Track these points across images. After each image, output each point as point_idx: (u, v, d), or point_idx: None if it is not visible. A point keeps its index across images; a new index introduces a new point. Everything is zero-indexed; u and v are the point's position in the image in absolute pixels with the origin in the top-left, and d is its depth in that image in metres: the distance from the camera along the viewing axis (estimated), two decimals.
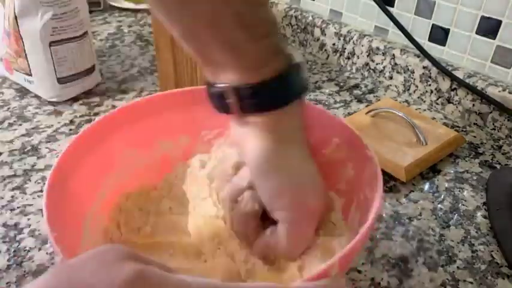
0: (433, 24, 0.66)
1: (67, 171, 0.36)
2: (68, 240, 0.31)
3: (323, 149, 0.42)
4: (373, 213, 0.32)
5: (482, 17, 0.61)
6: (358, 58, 0.74)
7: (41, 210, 0.47)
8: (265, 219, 0.38)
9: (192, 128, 0.46)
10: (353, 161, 0.40)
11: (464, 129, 0.63)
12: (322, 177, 0.39)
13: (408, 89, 0.70)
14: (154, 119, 0.44)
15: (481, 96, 0.61)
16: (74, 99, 0.65)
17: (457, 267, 0.43)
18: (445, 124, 0.63)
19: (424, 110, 0.67)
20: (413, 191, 0.52)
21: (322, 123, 0.42)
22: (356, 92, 0.70)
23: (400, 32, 0.68)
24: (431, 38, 0.67)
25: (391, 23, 0.69)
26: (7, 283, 0.40)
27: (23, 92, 0.66)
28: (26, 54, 0.61)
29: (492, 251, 0.45)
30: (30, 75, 0.63)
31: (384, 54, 0.70)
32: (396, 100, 0.67)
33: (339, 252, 0.29)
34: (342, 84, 0.72)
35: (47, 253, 0.43)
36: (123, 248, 0.23)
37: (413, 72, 0.68)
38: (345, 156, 0.41)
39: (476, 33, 0.62)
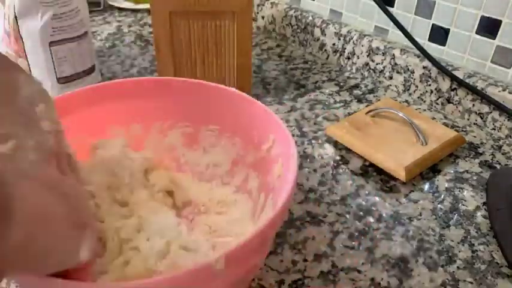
0: (433, 24, 0.66)
1: None
2: None
3: (262, 144, 0.44)
4: (283, 208, 0.32)
5: (482, 17, 0.61)
6: (358, 58, 0.74)
7: None
8: None
9: (144, 118, 0.47)
10: (283, 157, 0.41)
11: (464, 129, 0.63)
12: (261, 172, 0.42)
13: (408, 89, 0.70)
14: (108, 105, 0.45)
15: (481, 96, 0.61)
16: None
17: (457, 267, 0.43)
18: (445, 124, 0.63)
19: (424, 110, 0.67)
20: (413, 191, 0.52)
21: (261, 119, 0.43)
22: (356, 92, 0.70)
23: (400, 32, 0.68)
24: (431, 38, 0.67)
25: (391, 23, 0.69)
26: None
27: None
28: (26, 54, 0.61)
29: (492, 251, 0.45)
30: None
31: (383, 54, 0.70)
32: (396, 100, 0.67)
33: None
34: (342, 84, 0.73)
35: None
36: None
37: (413, 72, 0.68)
38: (279, 152, 0.41)
39: (476, 33, 0.62)
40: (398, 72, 0.70)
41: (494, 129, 0.62)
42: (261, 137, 0.44)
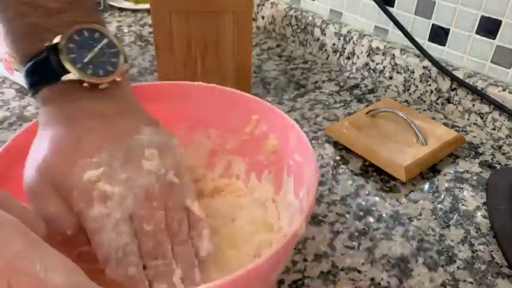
0: (433, 24, 0.66)
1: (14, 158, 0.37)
2: None
3: (243, 128, 0.45)
4: (313, 169, 0.34)
5: (482, 17, 0.61)
6: (358, 58, 0.74)
7: None
8: None
9: None
10: (275, 132, 0.43)
11: (464, 129, 0.63)
12: (247, 154, 0.45)
13: (408, 89, 0.70)
14: None
15: (481, 96, 0.61)
16: None
17: (457, 267, 0.43)
18: (445, 124, 0.63)
19: (424, 110, 0.67)
20: (413, 191, 0.52)
21: (239, 104, 0.44)
22: (356, 92, 0.70)
23: (400, 32, 0.68)
24: (431, 38, 0.67)
25: (391, 23, 0.69)
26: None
27: (23, 92, 0.66)
28: None
29: (492, 251, 0.45)
30: None
31: (384, 54, 0.70)
32: (396, 100, 0.67)
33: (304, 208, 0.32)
34: (342, 84, 0.72)
35: None
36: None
37: (413, 72, 0.68)
38: (267, 129, 0.43)
39: (476, 33, 0.62)
40: (398, 72, 0.70)
41: (494, 129, 0.62)
42: (240, 121, 0.45)
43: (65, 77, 0.33)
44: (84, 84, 0.33)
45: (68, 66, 0.32)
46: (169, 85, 0.46)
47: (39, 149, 0.32)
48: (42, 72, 0.33)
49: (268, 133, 0.43)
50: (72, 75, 0.32)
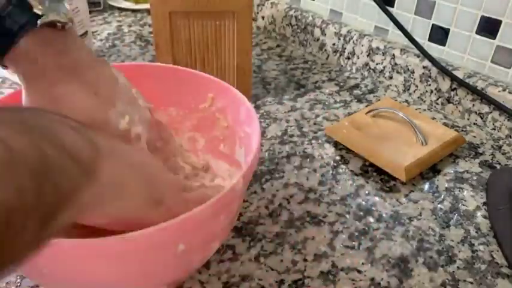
0: (433, 24, 0.66)
1: None
2: None
3: (200, 104, 0.48)
4: (258, 137, 0.38)
5: (482, 17, 0.61)
6: (358, 58, 0.74)
7: None
8: None
9: None
10: (229, 107, 0.46)
11: (464, 129, 0.63)
12: (205, 131, 0.49)
13: (408, 89, 0.70)
14: None
15: (481, 96, 0.61)
16: None
17: (457, 267, 0.43)
18: (445, 124, 0.63)
19: (424, 110, 0.67)
20: (413, 191, 0.52)
21: (196, 83, 0.47)
22: (356, 92, 0.70)
23: (400, 32, 0.68)
24: (431, 38, 0.67)
25: (391, 23, 0.69)
26: (7, 283, 0.40)
27: None
28: None
29: (492, 251, 0.45)
30: None
31: (384, 54, 0.70)
32: (396, 100, 0.67)
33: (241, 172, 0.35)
34: (342, 84, 0.72)
35: None
36: None
37: (413, 72, 0.68)
38: (222, 105, 0.47)
39: (476, 33, 0.62)
40: (398, 72, 0.70)
41: (494, 129, 0.62)
42: (197, 99, 0.48)
43: (40, 21, 0.32)
44: (58, 25, 0.34)
45: (37, 10, 0.32)
46: (132, 66, 0.49)
47: (64, 101, 0.35)
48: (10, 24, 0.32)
49: (223, 109, 0.47)
50: (51, 16, 0.33)
